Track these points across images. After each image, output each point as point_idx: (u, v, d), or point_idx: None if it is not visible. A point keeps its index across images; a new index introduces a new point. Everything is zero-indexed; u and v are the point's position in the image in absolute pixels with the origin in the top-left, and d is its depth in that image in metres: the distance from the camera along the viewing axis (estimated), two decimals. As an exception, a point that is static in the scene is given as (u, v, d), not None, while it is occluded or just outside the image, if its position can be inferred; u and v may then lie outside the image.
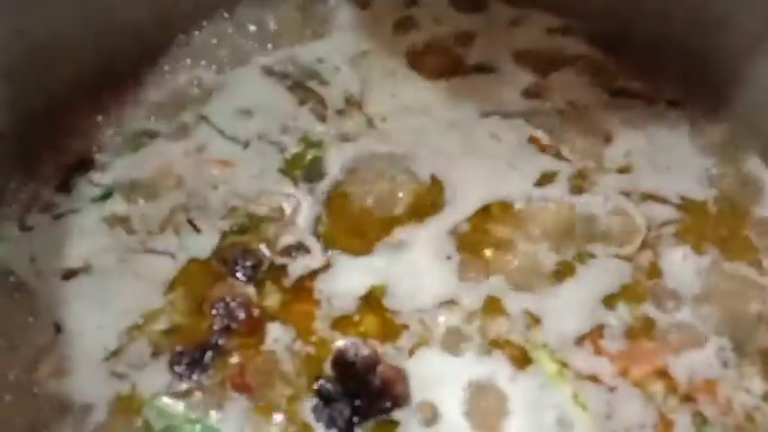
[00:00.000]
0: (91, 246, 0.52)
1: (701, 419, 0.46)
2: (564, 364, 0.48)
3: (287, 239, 0.52)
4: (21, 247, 0.52)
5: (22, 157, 0.56)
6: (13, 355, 0.48)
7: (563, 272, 0.52)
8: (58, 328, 0.49)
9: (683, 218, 0.54)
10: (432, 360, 0.48)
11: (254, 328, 0.49)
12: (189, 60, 0.61)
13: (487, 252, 0.52)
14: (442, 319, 0.49)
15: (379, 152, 0.57)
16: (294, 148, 0.57)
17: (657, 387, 0.47)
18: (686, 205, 0.55)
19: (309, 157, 0.57)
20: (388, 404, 0.46)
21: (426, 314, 0.49)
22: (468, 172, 0.56)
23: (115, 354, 0.48)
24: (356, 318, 0.49)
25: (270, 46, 0.62)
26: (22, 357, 0.48)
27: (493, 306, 0.50)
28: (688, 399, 0.47)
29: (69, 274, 0.51)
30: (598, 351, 0.48)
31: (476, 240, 0.53)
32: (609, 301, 0.50)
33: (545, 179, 0.56)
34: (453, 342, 0.49)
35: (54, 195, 0.55)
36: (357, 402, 0.46)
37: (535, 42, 0.63)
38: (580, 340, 0.49)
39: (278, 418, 0.46)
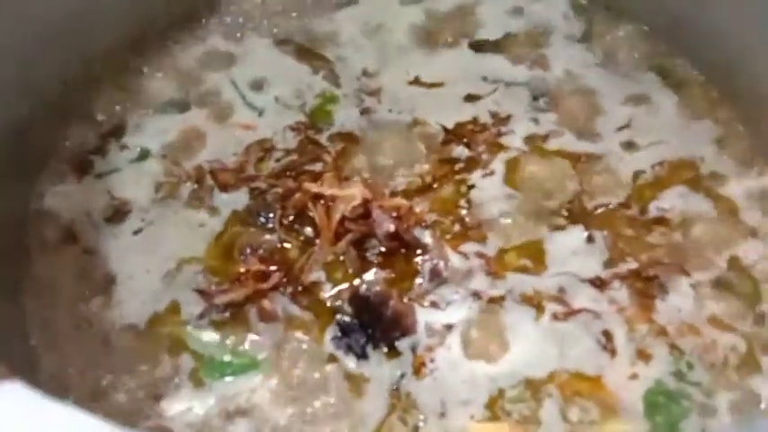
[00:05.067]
0: (137, 199, 0.58)
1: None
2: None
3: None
4: (71, 200, 0.58)
5: (64, 120, 0.61)
6: (68, 295, 0.54)
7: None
8: (110, 273, 0.55)
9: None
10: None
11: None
12: (211, 30, 0.67)
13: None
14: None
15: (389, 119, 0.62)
16: (314, 102, 0.63)
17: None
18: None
19: (327, 108, 0.62)
20: (398, 334, 0.52)
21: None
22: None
23: (158, 291, 0.54)
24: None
25: (287, 17, 0.67)
26: (77, 297, 0.54)
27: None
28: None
29: (120, 224, 0.57)
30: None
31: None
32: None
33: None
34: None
35: (93, 157, 0.61)
36: (371, 332, 0.52)
37: (539, 18, 0.68)
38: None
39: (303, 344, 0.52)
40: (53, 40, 0.58)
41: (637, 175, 0.59)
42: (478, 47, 0.67)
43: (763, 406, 0.49)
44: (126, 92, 0.64)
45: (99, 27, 0.62)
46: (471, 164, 0.60)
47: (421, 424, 0.49)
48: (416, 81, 0.65)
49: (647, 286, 0.53)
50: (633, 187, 0.58)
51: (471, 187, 0.58)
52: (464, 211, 0.57)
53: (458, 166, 0.60)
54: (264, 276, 0.54)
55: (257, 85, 0.64)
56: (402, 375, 0.50)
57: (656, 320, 0.52)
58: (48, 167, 0.60)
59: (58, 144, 0.61)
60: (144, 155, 0.61)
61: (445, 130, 0.62)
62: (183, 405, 0.50)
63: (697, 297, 0.53)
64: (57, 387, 0.49)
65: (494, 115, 0.63)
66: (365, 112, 0.63)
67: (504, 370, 0.50)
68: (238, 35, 0.67)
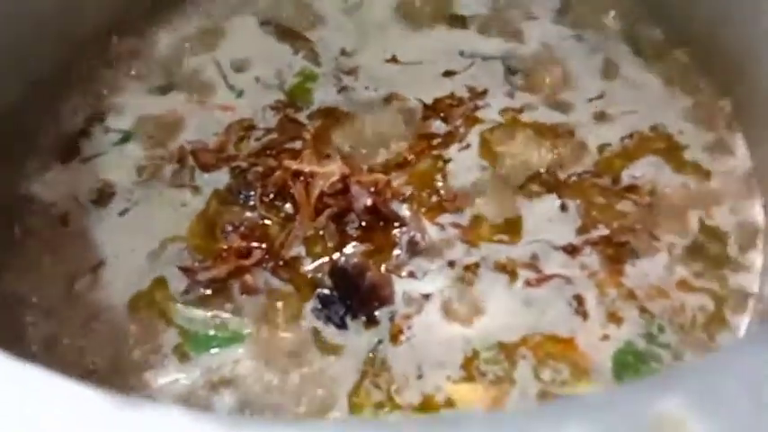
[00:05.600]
0: (122, 181, 0.60)
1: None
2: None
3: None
4: (59, 184, 0.60)
5: (50, 105, 0.63)
6: (56, 276, 0.56)
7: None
8: (97, 253, 0.56)
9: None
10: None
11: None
12: (193, 12, 0.68)
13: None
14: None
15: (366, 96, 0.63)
16: (293, 81, 0.64)
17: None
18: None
19: (307, 87, 0.64)
20: (376, 304, 0.53)
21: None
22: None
23: (143, 269, 0.56)
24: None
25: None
26: (65, 277, 0.56)
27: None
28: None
29: (106, 206, 0.59)
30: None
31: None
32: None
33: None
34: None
35: (79, 141, 0.62)
36: (349, 303, 0.53)
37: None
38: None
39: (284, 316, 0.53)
40: (41, 26, 0.59)
41: (607, 145, 0.60)
42: (456, 22, 0.68)
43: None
44: (110, 74, 0.65)
45: (85, 11, 0.63)
46: (449, 138, 0.61)
47: (393, 387, 0.50)
48: (394, 59, 0.66)
49: (617, 252, 0.55)
50: (604, 157, 0.59)
51: (448, 161, 0.60)
52: (440, 184, 0.58)
53: (435, 141, 0.61)
54: (246, 252, 0.56)
55: (239, 66, 0.65)
56: (379, 341, 0.52)
57: (624, 284, 0.54)
58: (35, 152, 0.61)
59: (43, 129, 0.62)
60: (127, 137, 0.62)
61: (424, 105, 0.63)
62: (169, 377, 0.51)
63: (666, 261, 0.55)
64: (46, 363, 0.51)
65: (470, 89, 0.64)
66: (343, 90, 0.64)
67: (480, 334, 0.52)
68: (221, 17, 0.68)
